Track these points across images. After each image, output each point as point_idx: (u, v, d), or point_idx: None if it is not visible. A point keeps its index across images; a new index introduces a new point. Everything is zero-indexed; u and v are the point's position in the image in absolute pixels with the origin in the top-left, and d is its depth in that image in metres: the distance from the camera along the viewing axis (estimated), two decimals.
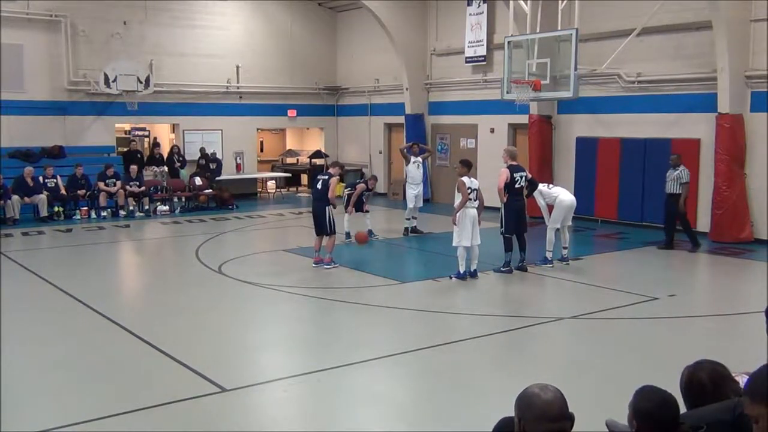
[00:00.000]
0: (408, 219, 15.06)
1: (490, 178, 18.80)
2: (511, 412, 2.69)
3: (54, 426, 5.48)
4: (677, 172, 12.80)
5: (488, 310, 9.22)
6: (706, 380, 2.99)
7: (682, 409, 2.90)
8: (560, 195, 11.66)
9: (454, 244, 10.68)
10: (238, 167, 22.28)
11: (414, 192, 14.80)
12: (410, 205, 14.91)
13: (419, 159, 15.31)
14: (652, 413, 2.70)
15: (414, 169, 15.05)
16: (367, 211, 14.37)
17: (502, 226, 11.24)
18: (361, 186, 14.05)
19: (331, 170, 11.86)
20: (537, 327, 8.40)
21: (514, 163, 11.27)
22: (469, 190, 10.52)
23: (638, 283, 10.40)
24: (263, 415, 6.02)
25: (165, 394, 6.11)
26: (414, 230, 14.96)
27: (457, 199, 10.59)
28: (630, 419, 2.80)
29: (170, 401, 5.97)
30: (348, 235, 13.82)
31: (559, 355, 7.57)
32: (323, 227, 11.47)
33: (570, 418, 2.46)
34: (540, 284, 10.83)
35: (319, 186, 11.60)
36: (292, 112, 23.23)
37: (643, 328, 8.44)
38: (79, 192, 17.55)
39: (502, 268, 11.14)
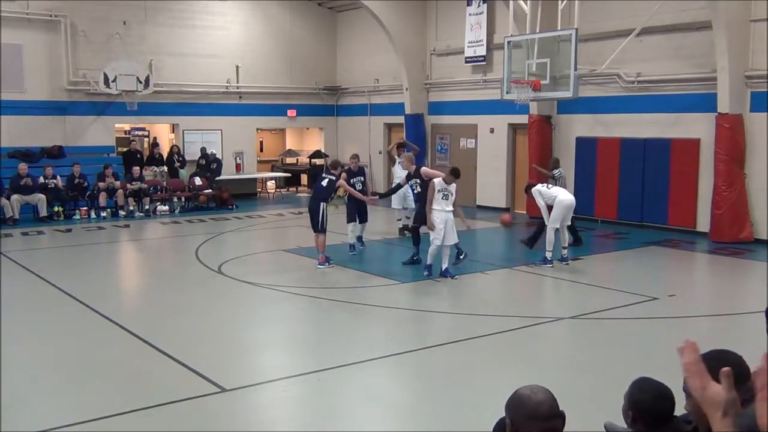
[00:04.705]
0: (399, 219, 14.87)
1: (489, 177, 19.01)
2: None
3: (54, 426, 5.48)
4: (555, 173, 13.49)
5: (488, 310, 9.22)
6: None
7: (680, 402, 2.90)
8: (559, 195, 11.66)
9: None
10: (238, 167, 22.27)
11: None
12: (395, 206, 14.55)
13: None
14: (649, 405, 2.71)
15: (399, 170, 14.63)
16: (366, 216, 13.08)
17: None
18: (341, 180, 11.90)
19: (335, 171, 11.81)
20: (537, 327, 8.40)
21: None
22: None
23: (638, 283, 10.40)
24: (263, 415, 6.01)
25: (165, 394, 6.11)
26: (407, 228, 14.51)
27: None
28: (625, 410, 2.81)
29: (170, 401, 5.97)
30: (352, 247, 12.79)
31: (559, 355, 7.57)
32: (315, 224, 11.46)
33: (561, 416, 2.48)
34: (540, 284, 10.83)
35: (324, 183, 11.51)
36: (291, 112, 23.21)
37: (643, 328, 8.44)
38: (78, 191, 17.53)
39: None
